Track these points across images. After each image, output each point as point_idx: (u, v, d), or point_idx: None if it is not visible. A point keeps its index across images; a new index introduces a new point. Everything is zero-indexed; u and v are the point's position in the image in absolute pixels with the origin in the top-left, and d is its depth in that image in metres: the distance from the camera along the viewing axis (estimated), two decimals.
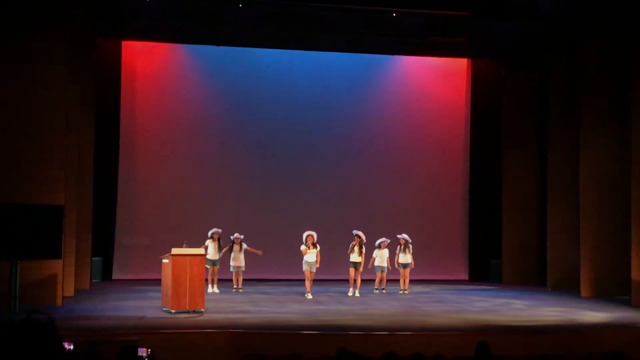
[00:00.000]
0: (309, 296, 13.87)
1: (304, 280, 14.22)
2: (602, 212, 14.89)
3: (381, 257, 15.06)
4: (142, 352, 7.17)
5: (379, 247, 15.08)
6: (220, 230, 14.65)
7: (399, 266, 15.23)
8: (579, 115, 15.21)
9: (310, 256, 14.00)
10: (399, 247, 15.27)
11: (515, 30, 15.81)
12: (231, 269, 14.84)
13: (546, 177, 16.88)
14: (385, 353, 6.16)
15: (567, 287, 15.69)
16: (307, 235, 14.08)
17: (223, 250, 14.64)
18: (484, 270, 18.10)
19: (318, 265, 14.14)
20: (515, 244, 17.72)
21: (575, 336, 10.26)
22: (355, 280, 14.45)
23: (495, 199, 18.01)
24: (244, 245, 14.83)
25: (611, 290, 14.59)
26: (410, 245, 15.23)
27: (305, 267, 14.06)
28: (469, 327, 10.52)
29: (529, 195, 17.86)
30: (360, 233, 14.56)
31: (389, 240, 15.14)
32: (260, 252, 14.96)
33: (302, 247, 14.10)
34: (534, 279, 17.36)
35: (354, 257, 14.49)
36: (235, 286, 14.85)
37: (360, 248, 14.48)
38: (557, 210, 16.45)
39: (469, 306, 13.04)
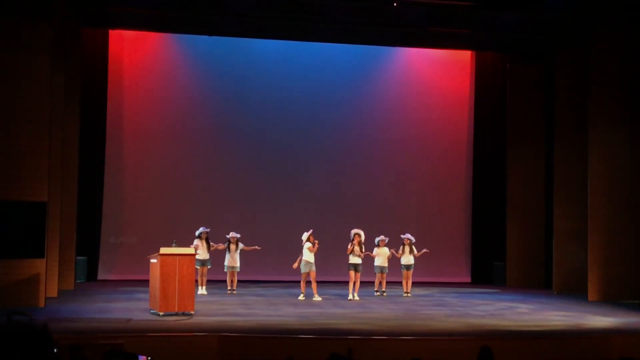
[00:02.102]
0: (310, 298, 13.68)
1: (299, 282, 13.86)
2: (611, 212, 14.74)
3: (381, 256, 14.64)
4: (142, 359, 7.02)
5: (378, 245, 14.77)
6: (208, 230, 14.44)
7: (401, 267, 14.99)
8: (587, 111, 15.03)
9: (312, 256, 13.73)
10: (402, 247, 15.00)
11: (521, 21, 15.62)
12: (225, 270, 14.67)
13: (552, 176, 16.71)
14: None
15: (574, 291, 15.54)
16: (310, 234, 13.81)
17: (222, 248, 14.47)
18: (487, 272, 17.92)
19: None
20: (520, 245, 17.55)
21: (581, 342, 10.14)
22: (354, 283, 14.07)
23: (500, 198, 17.89)
24: (240, 245, 14.64)
25: (620, 294, 14.45)
26: (414, 246, 15.01)
27: (308, 269, 13.70)
28: (471, 332, 10.39)
29: (535, 194, 17.69)
30: (361, 232, 14.14)
31: (387, 239, 14.84)
32: (258, 248, 14.79)
33: (309, 245, 13.70)
34: (539, 282, 17.20)
35: (354, 258, 14.06)
36: (229, 287, 14.68)
37: (361, 248, 14.09)
38: (563, 210, 16.26)
39: (471, 310, 12.90)
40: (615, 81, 14.75)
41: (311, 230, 13.89)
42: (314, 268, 13.73)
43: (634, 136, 14.53)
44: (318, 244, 13.77)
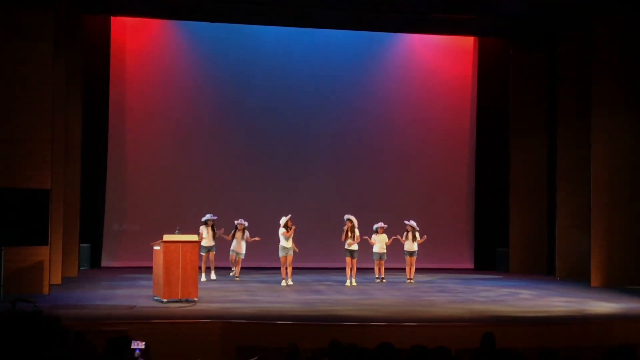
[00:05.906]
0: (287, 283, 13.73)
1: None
2: (614, 199, 14.67)
3: (379, 242, 14.62)
4: (137, 344, 6.92)
5: (376, 232, 14.73)
6: (215, 218, 14.45)
7: (405, 254, 14.94)
8: (591, 97, 14.91)
9: (289, 241, 13.75)
10: (405, 233, 14.94)
11: (524, 7, 15.45)
12: (230, 253, 14.69)
13: (555, 162, 16.61)
14: (380, 344, 5.82)
15: (577, 277, 15.47)
16: (288, 219, 13.81)
17: (230, 235, 14.51)
18: (489, 258, 17.87)
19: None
20: (523, 231, 17.45)
21: (584, 328, 10.15)
22: (351, 269, 14.11)
23: (502, 183, 17.79)
24: (247, 233, 14.64)
25: (622, 280, 14.41)
26: (418, 233, 14.93)
27: (284, 253, 13.81)
28: (474, 318, 10.42)
29: (538, 180, 17.59)
30: (352, 217, 14.15)
31: (386, 226, 14.78)
32: (258, 239, 14.71)
33: (282, 230, 13.77)
34: (542, 268, 17.14)
35: (349, 244, 14.04)
36: (232, 268, 14.75)
37: (354, 233, 14.08)
38: (566, 197, 16.19)
39: (474, 296, 12.90)
40: (618, 67, 14.63)
41: (289, 215, 13.86)
42: (290, 252, 13.74)
43: (637, 123, 14.42)
44: (294, 229, 13.76)
